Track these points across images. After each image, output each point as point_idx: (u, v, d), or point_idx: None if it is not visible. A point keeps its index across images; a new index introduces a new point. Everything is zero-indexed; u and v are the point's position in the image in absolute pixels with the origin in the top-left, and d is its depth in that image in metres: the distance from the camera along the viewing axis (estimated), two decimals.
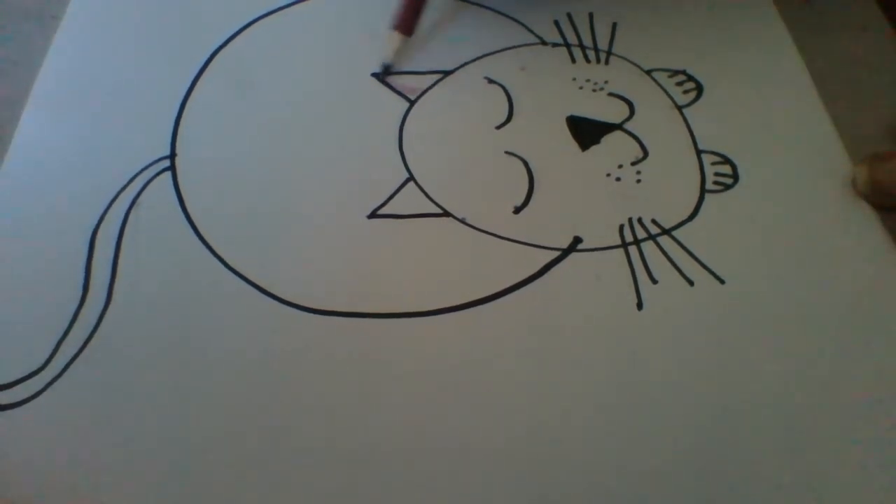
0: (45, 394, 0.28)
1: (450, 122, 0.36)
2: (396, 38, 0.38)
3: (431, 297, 0.30)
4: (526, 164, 0.35)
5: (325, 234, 0.32)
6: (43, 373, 0.28)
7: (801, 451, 0.27)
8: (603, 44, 0.39)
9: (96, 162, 0.34)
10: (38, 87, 0.37)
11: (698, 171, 0.35)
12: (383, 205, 0.33)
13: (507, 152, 0.35)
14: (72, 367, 0.29)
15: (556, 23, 0.40)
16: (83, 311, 0.30)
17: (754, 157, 0.35)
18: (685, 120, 0.37)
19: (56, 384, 0.28)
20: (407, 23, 0.38)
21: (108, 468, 0.26)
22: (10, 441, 0.27)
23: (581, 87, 0.38)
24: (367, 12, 0.40)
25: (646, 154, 0.35)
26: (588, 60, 0.39)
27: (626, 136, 0.36)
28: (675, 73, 0.38)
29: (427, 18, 0.39)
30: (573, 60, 0.39)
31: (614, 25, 0.40)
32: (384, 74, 0.38)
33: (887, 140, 0.35)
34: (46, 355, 0.29)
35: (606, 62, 0.39)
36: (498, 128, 0.36)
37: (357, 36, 0.39)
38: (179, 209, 0.33)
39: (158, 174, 0.34)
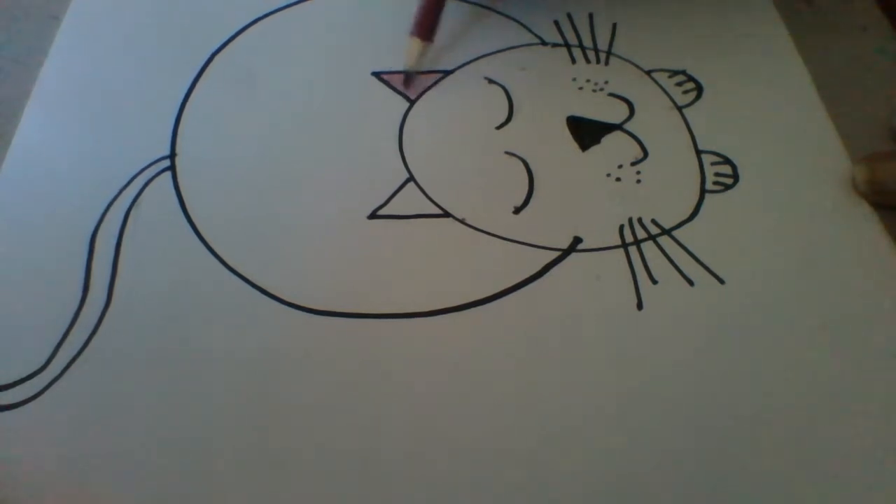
0: (45, 395, 0.28)
1: (450, 122, 0.36)
2: (417, 44, 0.37)
3: (432, 297, 0.30)
4: (526, 164, 0.35)
5: (325, 235, 0.32)
6: (43, 373, 0.28)
7: (802, 450, 0.27)
8: (603, 44, 0.39)
9: (96, 162, 0.34)
10: (38, 87, 0.37)
11: (698, 172, 0.35)
12: (383, 205, 0.33)
13: (507, 152, 0.35)
14: (72, 367, 0.28)
15: (556, 23, 0.40)
16: (83, 311, 0.30)
17: (754, 157, 0.35)
18: (685, 120, 0.37)
19: (56, 385, 0.28)
20: (426, 28, 0.37)
21: (108, 469, 0.26)
22: (10, 442, 0.27)
23: (581, 88, 0.38)
24: (367, 12, 0.40)
25: (646, 154, 0.35)
26: (588, 61, 0.39)
27: (626, 136, 0.36)
28: (675, 73, 0.38)
29: None
30: (573, 61, 0.39)
31: (614, 26, 0.40)
32: (407, 84, 0.37)
33: (887, 140, 0.35)
34: (46, 356, 0.29)
35: (606, 62, 0.39)
36: (498, 128, 0.36)
37: (357, 35, 0.39)
38: (179, 209, 0.33)
39: (158, 174, 0.34)
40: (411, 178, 0.34)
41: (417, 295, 0.31)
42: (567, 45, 0.39)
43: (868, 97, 0.37)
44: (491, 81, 0.38)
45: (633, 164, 0.35)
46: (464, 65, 0.38)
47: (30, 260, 0.31)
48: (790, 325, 0.30)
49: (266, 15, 0.40)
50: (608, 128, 0.36)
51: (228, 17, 0.40)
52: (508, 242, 0.32)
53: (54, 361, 0.29)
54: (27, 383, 0.28)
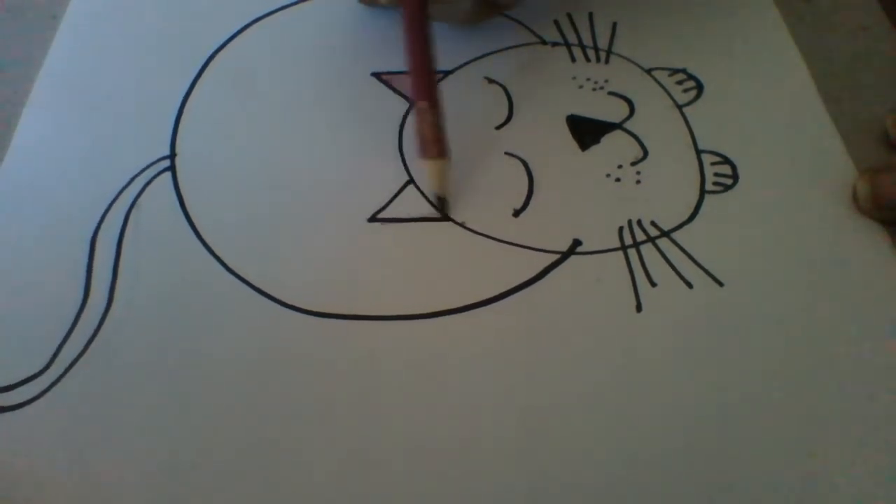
0: (46, 396, 0.28)
1: (450, 122, 0.36)
2: (442, 165, 0.33)
3: (431, 300, 0.30)
4: (526, 164, 0.35)
5: (325, 237, 0.32)
6: (44, 375, 0.29)
7: (800, 453, 0.27)
8: (603, 43, 0.39)
9: (96, 162, 0.34)
10: (38, 87, 0.37)
11: (698, 172, 0.35)
12: (383, 208, 0.33)
13: (506, 153, 0.35)
14: (73, 369, 0.29)
15: (556, 22, 0.40)
16: (84, 313, 0.30)
17: (754, 157, 0.35)
18: (685, 119, 0.37)
19: (57, 387, 0.28)
20: (441, 144, 0.32)
21: (108, 470, 0.27)
22: (11, 443, 0.27)
23: (581, 87, 0.38)
24: (367, 12, 0.40)
25: (645, 154, 0.35)
26: (588, 59, 0.39)
27: (625, 135, 0.36)
28: (675, 71, 0.38)
29: None
30: (573, 60, 0.39)
31: (614, 25, 0.40)
32: (442, 210, 0.33)
33: (885, 144, 0.35)
34: (48, 358, 0.29)
35: (606, 61, 0.39)
36: (498, 128, 0.36)
37: (356, 36, 0.39)
38: (179, 210, 0.33)
39: (158, 174, 0.34)
40: (411, 181, 0.34)
41: (417, 298, 0.31)
42: (567, 44, 0.39)
43: (868, 97, 0.37)
44: (491, 81, 0.38)
45: (632, 164, 0.35)
46: (464, 64, 0.38)
47: (30, 261, 0.31)
48: (789, 328, 0.30)
49: (265, 15, 0.40)
50: (608, 127, 0.36)
51: (228, 17, 0.40)
52: (508, 245, 0.32)
53: (56, 363, 0.29)
54: (29, 385, 0.28)
